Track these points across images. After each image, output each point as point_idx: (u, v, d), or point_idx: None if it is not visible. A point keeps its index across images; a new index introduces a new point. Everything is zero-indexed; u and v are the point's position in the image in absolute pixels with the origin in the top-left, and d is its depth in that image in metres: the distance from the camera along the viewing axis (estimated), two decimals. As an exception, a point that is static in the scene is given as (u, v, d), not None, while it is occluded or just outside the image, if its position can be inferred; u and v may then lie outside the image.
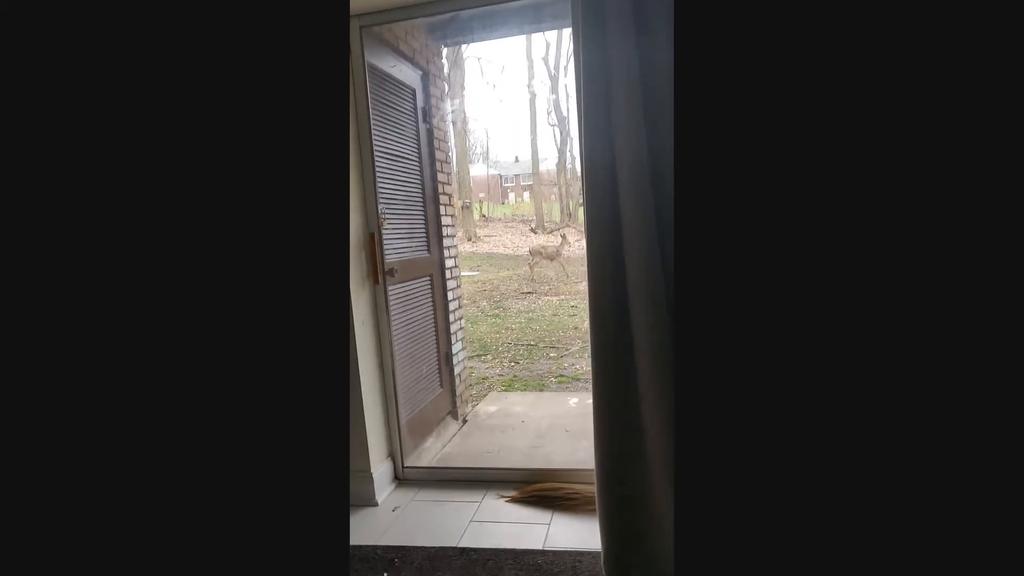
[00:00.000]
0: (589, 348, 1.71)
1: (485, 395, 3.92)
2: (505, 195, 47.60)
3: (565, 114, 25.79)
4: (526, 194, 43.41)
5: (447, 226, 3.19)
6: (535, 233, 20.65)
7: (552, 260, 10.56)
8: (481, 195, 37.92)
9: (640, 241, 1.57)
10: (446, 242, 3.17)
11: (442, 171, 3.16)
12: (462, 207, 19.43)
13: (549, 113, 26.57)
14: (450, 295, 3.20)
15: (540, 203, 23.72)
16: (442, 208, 3.13)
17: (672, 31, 1.46)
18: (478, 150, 36.14)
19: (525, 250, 16.42)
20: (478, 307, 7.98)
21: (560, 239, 11.27)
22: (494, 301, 8.45)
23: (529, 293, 9.05)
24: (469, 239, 18.42)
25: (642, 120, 1.54)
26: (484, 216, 28.41)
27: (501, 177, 47.82)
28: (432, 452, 2.76)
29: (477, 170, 36.27)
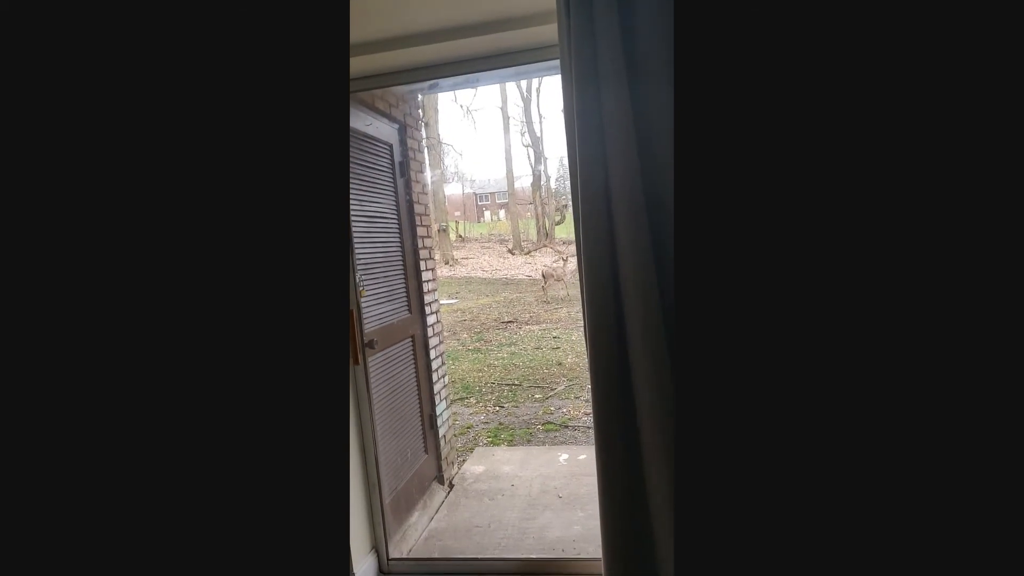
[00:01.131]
0: (591, 395, 1.55)
1: (471, 449, 3.77)
2: (481, 213, 47.68)
3: (539, 135, 25.99)
4: (502, 212, 43.54)
5: (428, 281, 3.06)
6: (512, 254, 20.61)
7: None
8: (457, 214, 37.88)
9: (636, 275, 1.43)
10: (427, 297, 3.03)
11: (421, 223, 3.04)
12: (438, 230, 19.29)
13: (523, 134, 26.74)
14: (433, 352, 3.06)
15: (516, 222, 23.73)
16: (423, 262, 3.01)
17: (663, 72, 1.41)
18: (452, 170, 36.18)
19: (503, 273, 16.34)
20: (459, 340, 7.83)
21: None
22: (475, 332, 8.31)
23: (510, 323, 8.93)
24: (446, 262, 18.27)
25: (636, 153, 1.42)
26: (461, 236, 28.32)
27: (477, 196, 47.95)
28: (419, 529, 2.60)
29: (452, 189, 36.28)
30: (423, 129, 3.26)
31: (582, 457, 3.30)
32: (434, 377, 3.05)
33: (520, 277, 15.56)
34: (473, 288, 13.85)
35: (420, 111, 3.20)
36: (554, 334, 7.74)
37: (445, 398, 3.20)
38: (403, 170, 2.88)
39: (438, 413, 3.05)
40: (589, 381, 1.56)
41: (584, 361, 6.00)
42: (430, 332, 3.04)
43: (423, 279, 2.99)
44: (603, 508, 1.52)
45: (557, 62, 1.75)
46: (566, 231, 27.45)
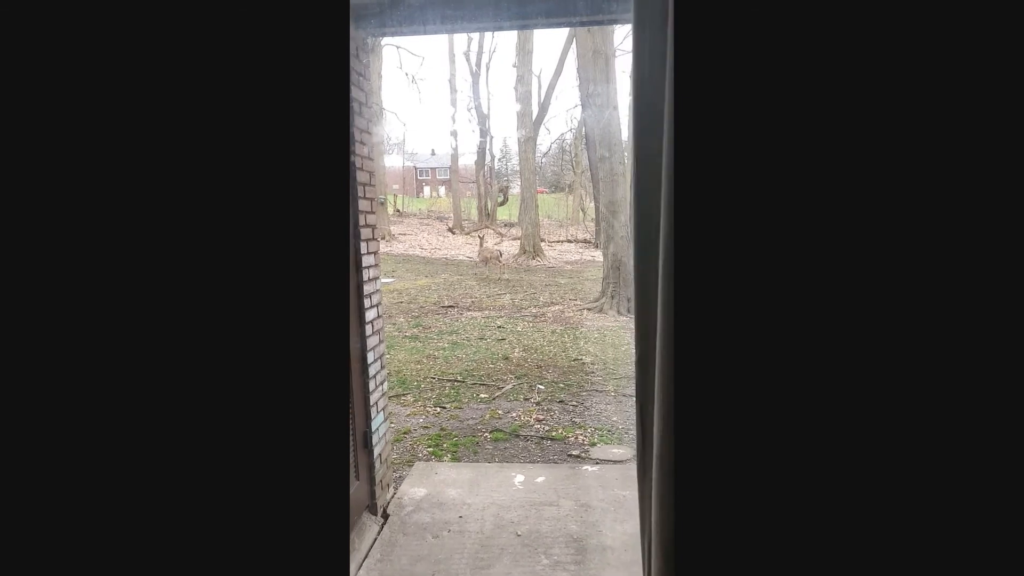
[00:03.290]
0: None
1: (409, 463, 3.25)
2: (420, 188, 46.37)
3: (486, 112, 25.21)
4: (442, 188, 42.43)
5: (369, 268, 2.49)
6: (452, 233, 19.93)
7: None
8: (395, 187, 36.58)
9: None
10: (368, 288, 2.46)
11: (364, 195, 2.45)
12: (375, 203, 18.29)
13: (469, 109, 25.88)
14: (371, 355, 2.50)
15: (458, 200, 22.99)
16: (363, 243, 2.42)
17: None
18: (393, 141, 34.77)
19: (443, 253, 15.68)
20: (395, 325, 7.21)
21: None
22: (412, 317, 7.71)
23: (451, 307, 8.38)
24: (383, 237, 17.36)
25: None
26: (399, 211, 27.24)
27: (416, 169, 46.54)
28: (343, 581, 2.06)
29: (392, 161, 34.86)
30: (373, 80, 2.64)
31: (540, 480, 2.86)
32: (371, 385, 2.49)
33: (460, 258, 14.97)
34: (411, 267, 13.13)
35: (370, 57, 2.58)
36: (498, 323, 7.28)
37: (382, 409, 2.66)
38: (345, 126, 2.28)
39: (373, 429, 2.51)
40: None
41: (533, 358, 5.58)
42: (369, 330, 2.48)
43: (363, 264, 2.41)
44: None
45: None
46: (507, 213, 26.99)
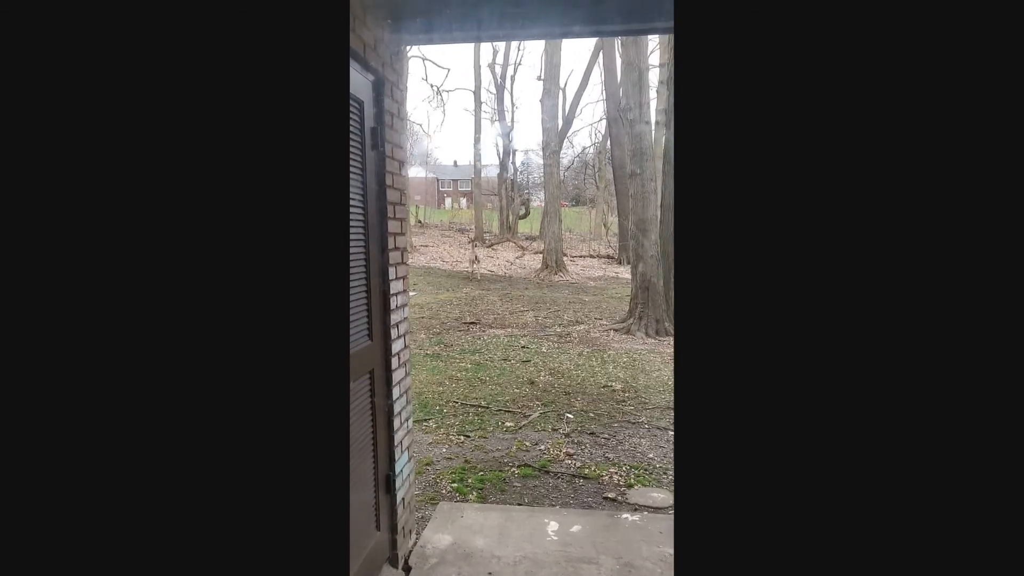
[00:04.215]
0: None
1: (432, 500, 3.01)
2: (442, 200, 46.59)
3: (510, 124, 25.19)
4: (463, 200, 42.52)
5: (396, 295, 2.27)
6: (474, 245, 19.80)
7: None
8: (417, 198, 36.76)
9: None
10: (395, 316, 2.25)
11: (394, 215, 2.24)
12: (399, 214, 18.24)
13: (493, 122, 25.87)
14: (396, 390, 2.28)
15: (480, 212, 22.89)
16: (392, 268, 2.21)
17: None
18: (416, 151, 34.98)
19: (464, 266, 15.52)
20: (415, 341, 7.01)
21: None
22: (434, 334, 7.51)
23: (473, 324, 8.17)
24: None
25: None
26: (420, 222, 27.26)
27: (439, 181, 46.80)
28: (360, 651, 1.83)
29: (414, 172, 35.04)
30: (406, 90, 2.45)
31: (575, 529, 2.60)
32: (395, 423, 2.27)
33: (482, 271, 14.78)
34: (432, 280, 12.98)
35: (405, 64, 2.39)
36: (522, 342, 7.04)
37: (407, 448, 2.43)
38: (376, 139, 2.08)
39: (397, 471, 2.28)
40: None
41: (560, 383, 5.32)
42: (395, 362, 2.26)
43: (391, 291, 2.20)
44: None
45: None
46: (529, 226, 26.84)
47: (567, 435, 4.07)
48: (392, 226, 2.21)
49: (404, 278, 2.36)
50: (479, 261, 13.82)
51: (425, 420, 4.34)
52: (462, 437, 4.02)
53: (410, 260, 16.09)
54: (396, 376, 2.27)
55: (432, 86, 26.02)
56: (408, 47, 3.03)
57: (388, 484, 2.21)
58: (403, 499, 2.35)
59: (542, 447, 3.84)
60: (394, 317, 2.24)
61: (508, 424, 4.28)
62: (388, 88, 2.16)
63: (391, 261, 2.20)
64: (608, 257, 17.76)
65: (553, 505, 3.02)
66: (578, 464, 3.56)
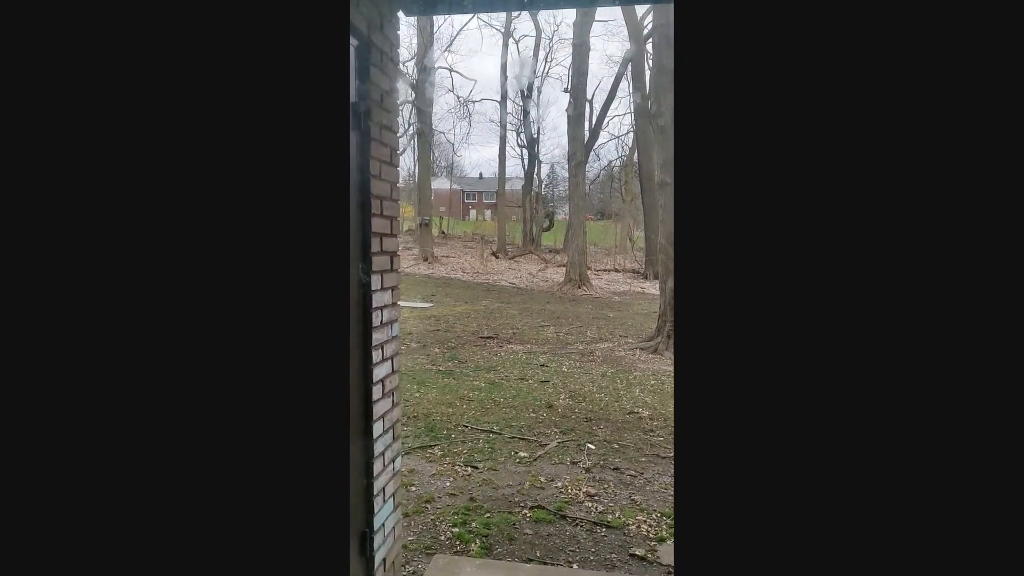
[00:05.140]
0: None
1: (428, 548, 2.57)
2: (466, 211, 46.62)
3: (535, 136, 24.92)
4: (487, 212, 42.39)
5: (383, 308, 1.86)
6: (496, 257, 19.45)
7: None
8: (442, 209, 36.74)
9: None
10: (377, 336, 1.83)
11: (381, 213, 1.84)
12: (420, 224, 18.04)
13: (519, 134, 25.63)
14: (378, 426, 1.86)
15: (503, 224, 22.57)
16: (377, 277, 1.80)
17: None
18: (442, 163, 34.95)
19: (485, 278, 15.14)
20: (428, 356, 6.61)
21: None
22: (448, 348, 7.10)
23: (490, 339, 7.74)
24: (425, 259, 17.01)
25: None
26: (443, 232, 27.09)
27: (464, 193, 46.85)
28: None
29: (440, 183, 35.02)
30: (399, 63, 2.06)
31: (596, 599, 2.13)
32: (376, 466, 1.84)
33: (503, 284, 14.38)
34: (451, 292, 12.61)
35: (398, 33, 2.00)
36: (540, 360, 6.58)
37: (393, 494, 2.00)
38: (359, 117, 1.69)
39: (377, 526, 1.85)
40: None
41: (581, 407, 4.84)
42: (377, 391, 1.84)
43: (372, 304, 1.79)
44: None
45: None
46: (552, 239, 26.44)
47: (588, 470, 3.59)
48: (378, 225, 1.81)
49: (393, 289, 1.94)
50: (497, 257, 13.51)
51: (430, 446, 3.92)
52: (469, 468, 3.58)
53: (431, 271, 15.83)
54: (379, 408, 1.86)
55: (458, 97, 25.95)
56: (410, 17, 2.65)
57: (362, 544, 1.78)
58: (384, 559, 1.92)
59: (559, 484, 3.38)
60: (377, 336, 1.82)
61: (522, 454, 3.82)
62: (377, 57, 1.77)
63: (375, 267, 1.79)
64: (634, 271, 17.20)
65: (570, 563, 2.55)
66: (600, 508, 3.09)
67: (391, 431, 1.98)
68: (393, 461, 1.99)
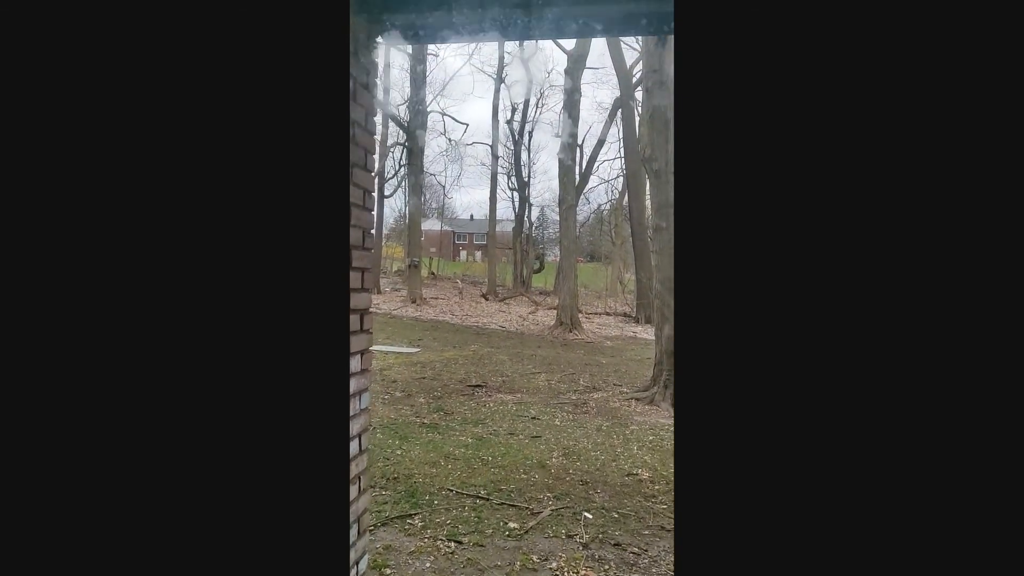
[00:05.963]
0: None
1: (400, 655, 2.18)
2: (457, 252, 46.63)
3: (526, 179, 25.10)
4: (478, 253, 42.38)
5: (355, 375, 1.56)
6: (486, 299, 19.19)
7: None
8: (432, 250, 36.68)
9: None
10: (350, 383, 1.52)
11: (354, 223, 1.56)
12: (409, 266, 17.82)
13: (510, 177, 25.81)
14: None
15: (494, 266, 22.42)
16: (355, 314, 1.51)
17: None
18: (434, 205, 35.08)
19: (474, 320, 14.82)
20: (412, 407, 6.23)
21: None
22: (434, 398, 6.73)
23: (478, 387, 7.38)
24: (413, 301, 16.70)
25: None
26: (433, 274, 26.88)
27: (455, 234, 46.97)
28: None
29: (431, 224, 35.06)
30: (377, 63, 1.83)
31: None
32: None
33: (492, 327, 14.07)
34: (439, 336, 12.26)
35: (375, 60, 1.77)
36: (531, 412, 6.23)
37: (357, 603, 1.64)
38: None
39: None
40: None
41: (576, 468, 4.47)
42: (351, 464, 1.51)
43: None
44: None
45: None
46: (543, 280, 26.31)
47: (585, 545, 3.22)
48: (353, 237, 1.52)
49: (363, 353, 1.65)
50: (487, 299, 13.12)
51: (410, 516, 3.53)
52: (452, 544, 3.19)
53: (419, 314, 15.48)
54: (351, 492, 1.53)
55: (450, 140, 26.18)
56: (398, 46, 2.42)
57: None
58: None
59: (553, 565, 3.00)
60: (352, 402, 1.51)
61: (512, 525, 3.45)
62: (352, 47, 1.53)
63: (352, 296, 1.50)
64: (625, 315, 16.99)
65: (568, 674, 2.17)
66: (601, 595, 2.72)
67: (357, 524, 1.64)
68: (357, 563, 1.65)
